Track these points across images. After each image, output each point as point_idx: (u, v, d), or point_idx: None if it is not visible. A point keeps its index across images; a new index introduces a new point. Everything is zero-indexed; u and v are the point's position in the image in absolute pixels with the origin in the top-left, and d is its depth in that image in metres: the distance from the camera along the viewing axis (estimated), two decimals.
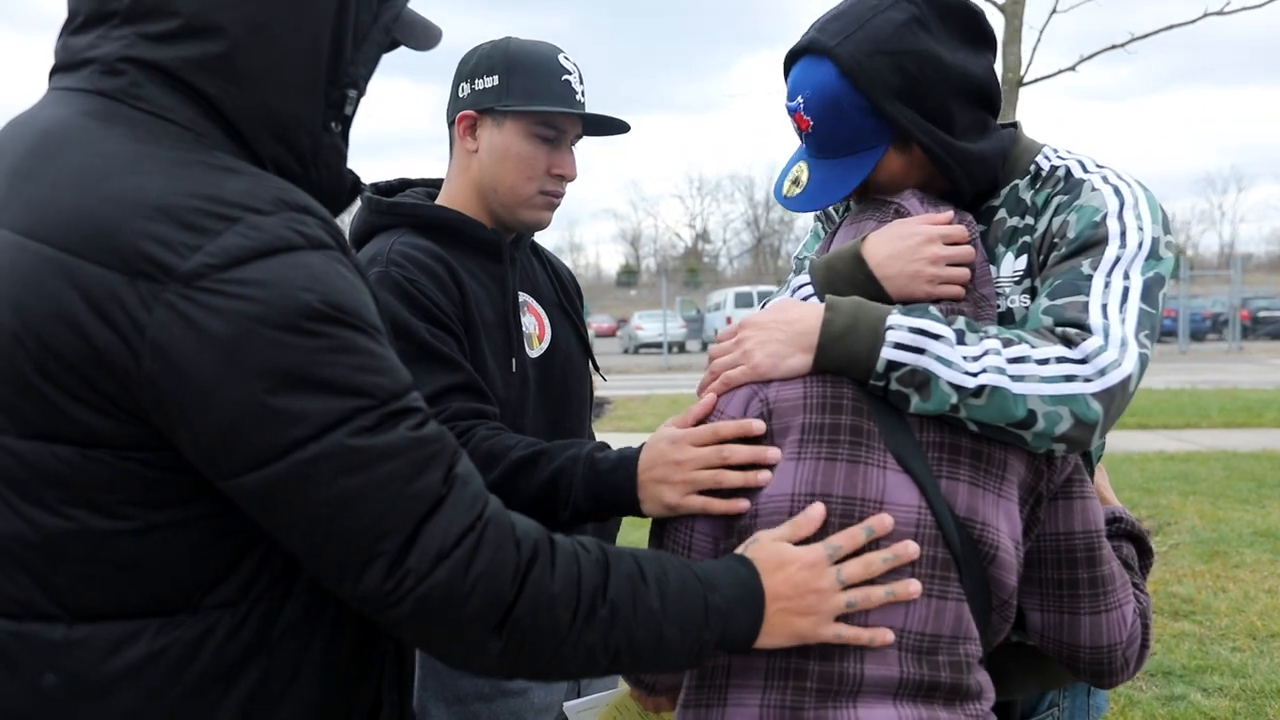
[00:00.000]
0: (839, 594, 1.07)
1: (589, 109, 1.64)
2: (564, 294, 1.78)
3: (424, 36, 1.08)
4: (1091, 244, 1.19)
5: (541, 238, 1.84)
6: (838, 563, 1.08)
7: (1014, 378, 1.09)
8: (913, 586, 1.08)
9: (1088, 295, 1.15)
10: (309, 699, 0.94)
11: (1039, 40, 5.84)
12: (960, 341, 1.12)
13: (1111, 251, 1.18)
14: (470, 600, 0.88)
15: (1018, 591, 1.18)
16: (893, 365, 1.11)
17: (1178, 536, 5.53)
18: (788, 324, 1.17)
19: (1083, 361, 1.10)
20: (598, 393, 1.87)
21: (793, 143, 1.37)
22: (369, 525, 0.85)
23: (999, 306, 1.27)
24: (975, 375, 1.09)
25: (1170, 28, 5.91)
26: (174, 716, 0.88)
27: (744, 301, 25.62)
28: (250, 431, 0.82)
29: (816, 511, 1.09)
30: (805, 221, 1.65)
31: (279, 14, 0.91)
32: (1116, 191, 1.23)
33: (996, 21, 5.58)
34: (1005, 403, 1.09)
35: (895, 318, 1.13)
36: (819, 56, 1.24)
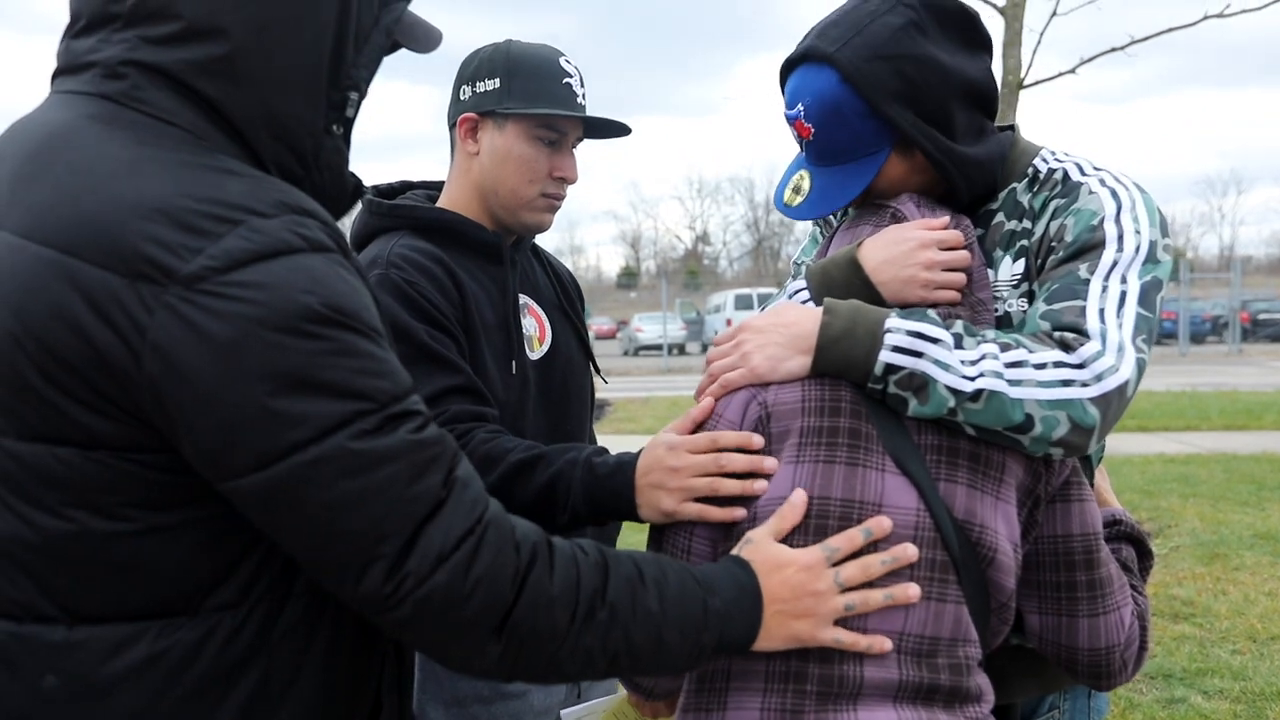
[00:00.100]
0: (837, 596, 1.07)
1: (589, 111, 1.64)
2: (564, 296, 1.78)
3: (425, 39, 1.08)
4: (1089, 248, 1.19)
5: (542, 240, 1.84)
6: (836, 565, 1.08)
7: (1011, 382, 1.09)
8: (911, 591, 1.08)
9: (1085, 299, 1.15)
10: (309, 701, 0.94)
11: (1039, 43, 5.86)
12: (958, 345, 1.12)
13: (1109, 255, 1.18)
14: (470, 603, 0.88)
15: (1016, 594, 1.18)
16: (891, 368, 1.11)
17: (1178, 539, 5.53)
18: (786, 327, 1.17)
19: (1080, 366, 1.10)
20: (597, 395, 1.87)
21: (793, 146, 1.37)
22: (369, 528, 0.85)
23: (997, 310, 1.27)
24: (973, 379, 1.09)
25: (1170, 30, 5.92)
26: (174, 718, 0.88)
27: (744, 304, 25.62)
28: (251, 434, 0.82)
29: (799, 498, 1.09)
30: (805, 224, 1.65)
31: (280, 16, 0.92)
32: (1114, 194, 1.23)
33: (996, 24, 5.58)
34: (1003, 407, 1.09)
35: (893, 321, 1.13)
36: (818, 64, 1.24)
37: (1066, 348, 1.12)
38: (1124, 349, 1.12)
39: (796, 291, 1.28)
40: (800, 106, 1.26)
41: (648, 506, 1.23)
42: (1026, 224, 1.28)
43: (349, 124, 1.01)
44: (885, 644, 1.07)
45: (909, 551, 1.08)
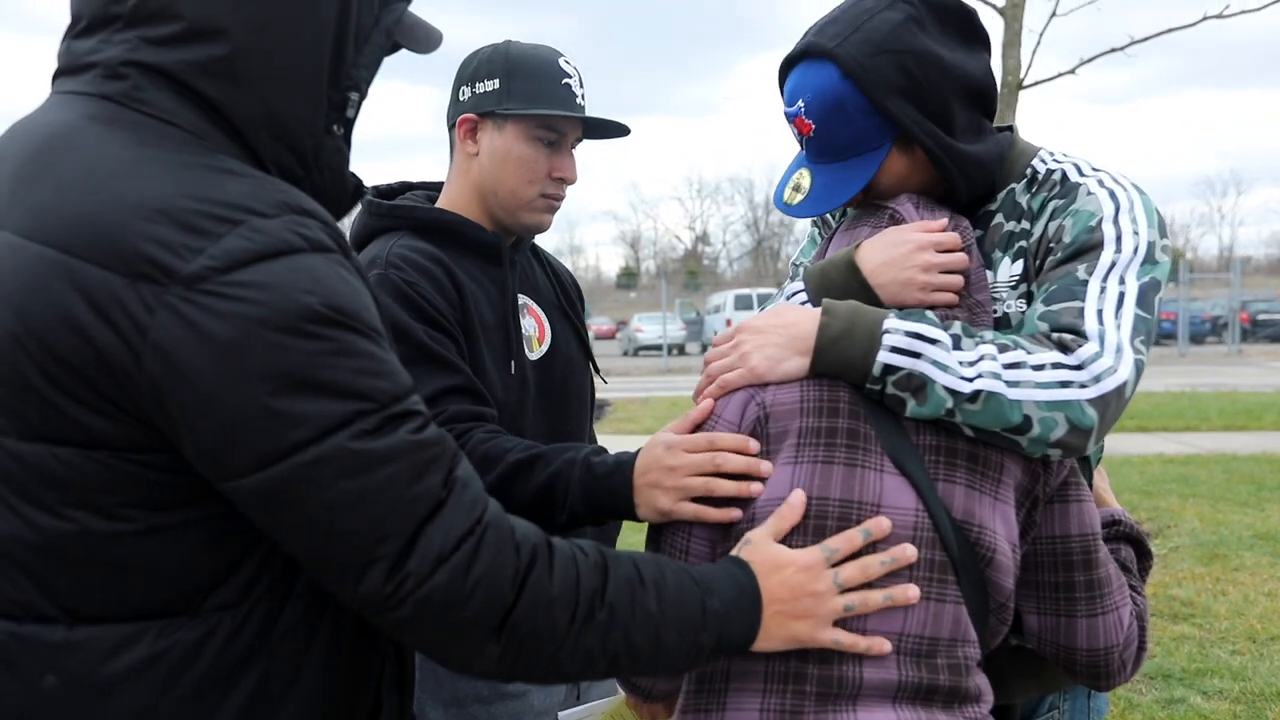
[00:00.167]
0: (836, 597, 1.07)
1: (589, 112, 1.64)
2: (564, 296, 1.78)
3: (425, 40, 1.08)
4: (1087, 249, 1.19)
5: (541, 240, 1.84)
6: (835, 565, 1.08)
7: (1009, 383, 1.09)
8: (911, 592, 1.08)
9: (1083, 300, 1.16)
10: (309, 701, 0.94)
11: (1039, 43, 5.86)
12: (956, 346, 1.12)
13: (1107, 256, 1.18)
14: (470, 603, 0.88)
15: (1015, 594, 1.18)
16: (889, 369, 1.11)
17: (1177, 539, 5.54)
18: (784, 328, 1.17)
19: (1078, 368, 1.10)
20: (597, 395, 1.87)
21: (793, 146, 1.37)
22: (369, 528, 0.85)
23: (995, 312, 1.27)
24: (971, 380, 1.10)
25: (1169, 31, 5.93)
26: (175, 718, 0.88)
27: (743, 304, 25.61)
28: (251, 434, 0.82)
29: (797, 499, 1.09)
30: (805, 224, 1.65)
31: (281, 17, 0.92)
32: (1112, 195, 1.23)
33: (996, 25, 5.58)
34: (1001, 408, 1.09)
35: (892, 321, 1.13)
36: (818, 60, 1.24)
37: (1065, 349, 1.12)
38: (1122, 350, 1.12)
39: (794, 293, 1.28)
40: (801, 103, 1.26)
41: (645, 506, 1.23)
42: (1025, 225, 1.28)
43: (349, 124, 1.01)
44: (884, 645, 1.07)
45: (908, 552, 1.08)
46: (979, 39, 1.29)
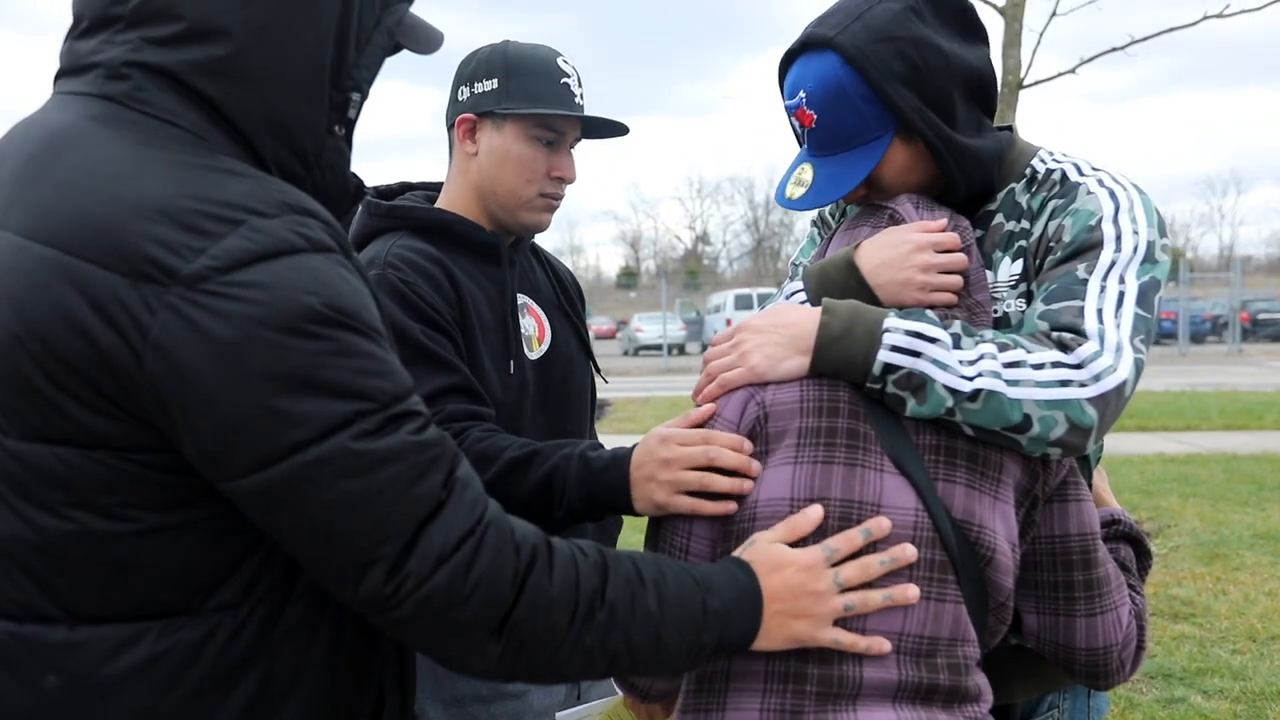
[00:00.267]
0: (836, 597, 1.07)
1: (588, 111, 1.64)
2: (564, 296, 1.79)
3: (426, 40, 1.08)
4: (1087, 248, 1.19)
5: (541, 240, 1.84)
6: (836, 565, 1.08)
7: (1009, 382, 1.09)
8: (911, 592, 1.08)
9: (1083, 300, 1.16)
10: (311, 701, 0.94)
11: (1039, 43, 5.86)
12: (956, 345, 1.12)
13: (1107, 255, 1.18)
14: (470, 603, 0.88)
15: (1014, 594, 1.18)
16: (889, 368, 1.11)
17: (1178, 539, 5.54)
18: (785, 327, 1.17)
19: (1078, 367, 1.10)
20: (597, 395, 1.87)
21: (792, 146, 1.37)
22: (370, 528, 0.86)
23: (995, 311, 1.27)
24: (971, 379, 1.10)
25: (1170, 30, 5.92)
26: (176, 718, 0.88)
27: (744, 304, 25.60)
28: (252, 434, 0.82)
29: (814, 513, 1.09)
30: (805, 224, 1.65)
31: (283, 17, 0.92)
32: (1112, 195, 1.23)
33: (996, 24, 5.58)
34: (1001, 407, 1.09)
35: (892, 321, 1.13)
36: (820, 50, 1.24)
37: (1064, 348, 1.12)
38: (1122, 349, 1.12)
39: (794, 293, 1.28)
40: (802, 94, 1.26)
41: (641, 499, 1.24)
42: (1025, 224, 1.28)
43: (351, 125, 1.01)
44: (884, 645, 1.07)
45: (908, 552, 1.08)
46: (977, 32, 1.29)
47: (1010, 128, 1.39)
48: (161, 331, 0.80)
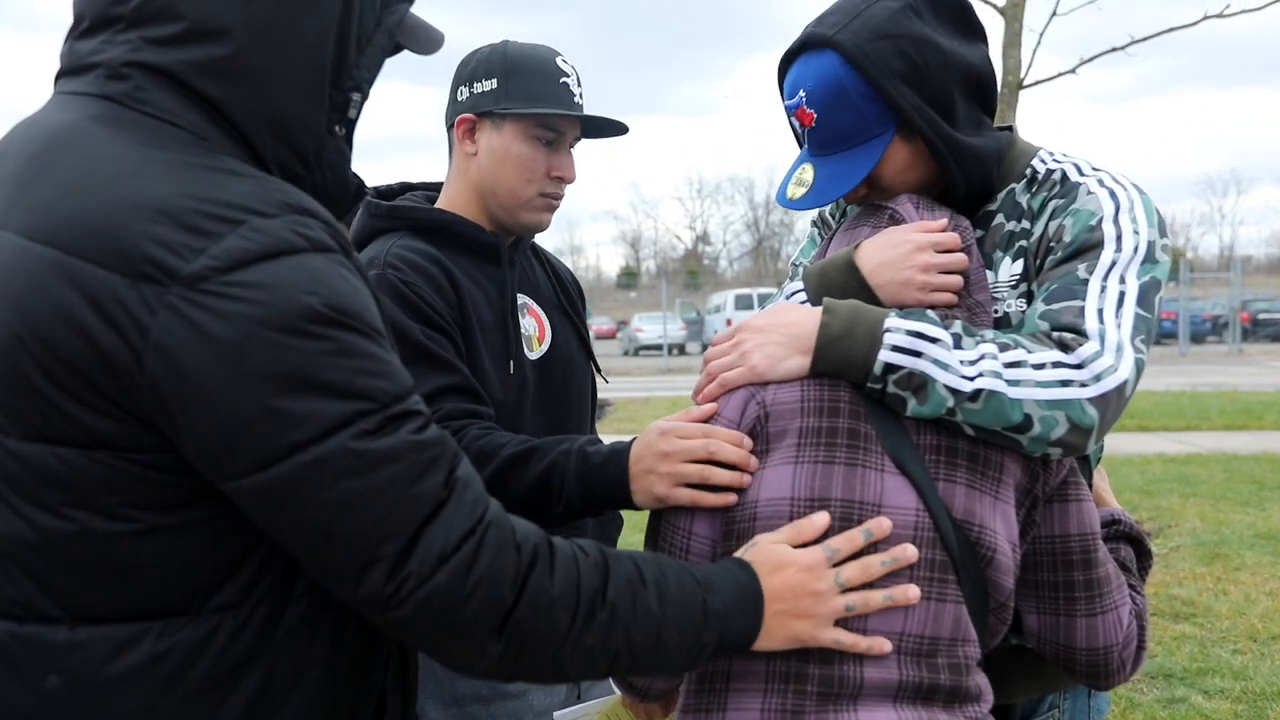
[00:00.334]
0: (837, 597, 1.07)
1: (587, 111, 1.64)
2: (565, 295, 1.79)
3: (426, 41, 1.08)
4: (1087, 248, 1.19)
5: (541, 240, 1.84)
6: (837, 565, 1.08)
7: (1010, 382, 1.09)
8: (911, 592, 1.08)
9: (1084, 300, 1.16)
10: (312, 701, 0.94)
11: (1039, 43, 5.86)
12: (957, 345, 1.12)
13: (1107, 256, 1.18)
14: (471, 603, 0.88)
15: (1014, 594, 1.18)
16: (890, 368, 1.11)
17: (1178, 539, 5.53)
18: (785, 327, 1.17)
19: (1079, 367, 1.10)
20: (598, 395, 1.87)
21: (792, 146, 1.37)
22: (370, 528, 0.85)
23: (996, 311, 1.27)
24: (972, 379, 1.10)
25: (1170, 30, 5.92)
26: (177, 718, 0.88)
27: (744, 304, 25.61)
28: (252, 434, 0.82)
29: (821, 519, 1.09)
30: (805, 225, 1.66)
31: (283, 17, 0.92)
32: (1112, 195, 1.23)
33: (996, 24, 5.58)
34: (1001, 407, 1.09)
35: (893, 320, 1.13)
36: (819, 48, 1.24)
37: (1065, 348, 1.12)
38: (1122, 349, 1.12)
39: (794, 293, 1.28)
40: (802, 93, 1.26)
41: (641, 493, 1.24)
42: (1025, 224, 1.28)
43: (351, 125, 1.01)
44: (885, 645, 1.07)
45: (909, 552, 1.08)
46: (975, 31, 1.29)
47: (1010, 128, 1.39)
48: (162, 331, 0.80)
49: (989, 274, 1.28)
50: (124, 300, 0.81)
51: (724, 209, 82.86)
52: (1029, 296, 1.26)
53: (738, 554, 1.10)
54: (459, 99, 1.63)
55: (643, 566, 1.00)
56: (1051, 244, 1.24)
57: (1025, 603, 1.21)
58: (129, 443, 0.84)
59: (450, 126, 1.66)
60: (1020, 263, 1.27)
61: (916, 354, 1.11)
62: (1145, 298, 1.17)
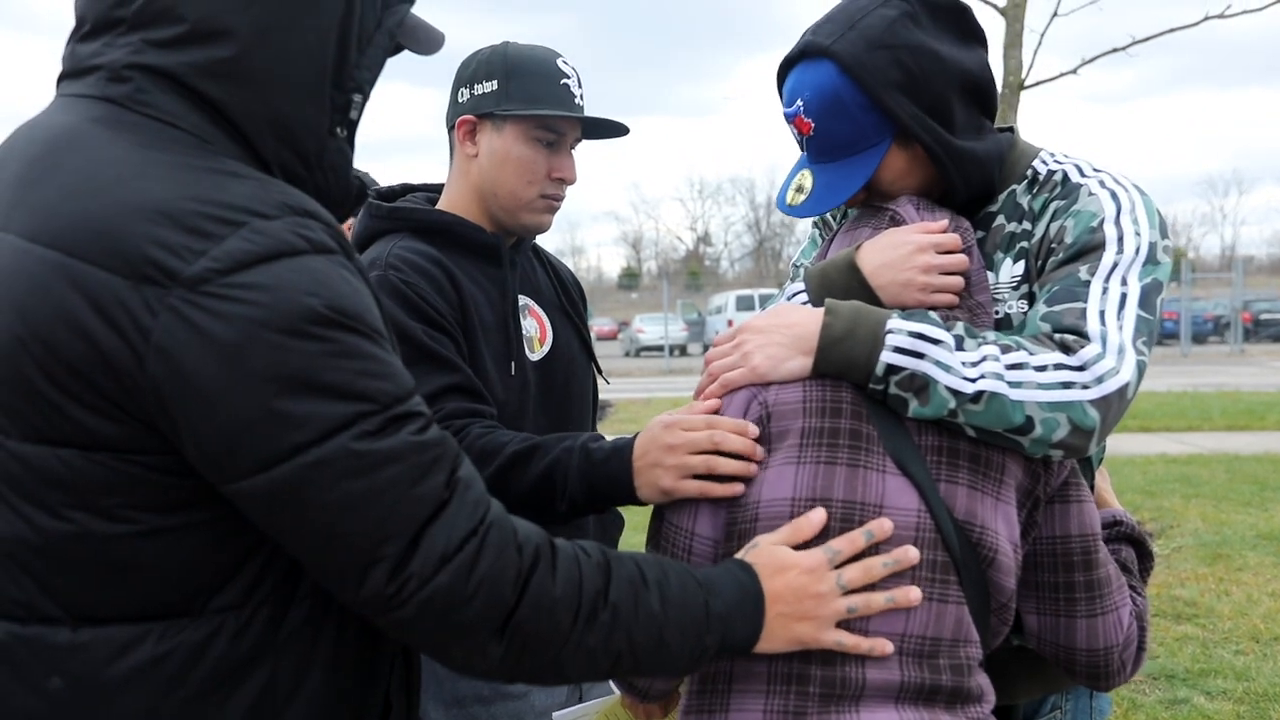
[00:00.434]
0: (839, 599, 1.07)
1: (588, 112, 1.64)
2: (566, 297, 1.79)
3: (427, 41, 1.08)
4: (1089, 249, 1.19)
5: (542, 241, 1.84)
6: (838, 567, 1.08)
7: (1012, 384, 1.09)
8: (913, 594, 1.08)
9: (1085, 301, 1.16)
10: (316, 702, 0.94)
11: (1040, 44, 5.86)
12: (959, 347, 1.12)
13: (1109, 257, 1.18)
14: (472, 604, 0.88)
15: (1015, 594, 1.18)
16: (892, 369, 1.11)
17: (1180, 539, 5.53)
18: (787, 327, 1.17)
19: (1080, 369, 1.10)
20: (599, 396, 1.87)
21: (794, 147, 1.37)
22: (372, 529, 0.85)
23: (997, 313, 1.27)
24: (974, 381, 1.10)
25: (1171, 31, 5.93)
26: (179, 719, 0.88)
27: (745, 304, 25.60)
28: (254, 435, 0.82)
29: (818, 516, 1.09)
30: (807, 224, 1.66)
31: (285, 18, 0.92)
32: (1113, 196, 1.23)
33: (997, 25, 5.58)
34: (1003, 409, 1.09)
35: (895, 322, 1.13)
36: (816, 58, 1.24)
37: (1067, 350, 1.12)
38: (1124, 351, 1.12)
39: (795, 294, 1.28)
40: (799, 102, 1.26)
41: (646, 486, 1.24)
42: (1026, 226, 1.28)
43: (353, 126, 1.01)
44: (887, 647, 1.07)
45: (910, 554, 1.08)
46: (975, 35, 1.29)
47: (1011, 129, 1.39)
48: (163, 333, 0.80)
49: (990, 275, 1.28)
50: (125, 302, 0.81)
51: (725, 210, 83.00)
52: (1030, 298, 1.26)
53: (739, 556, 1.10)
54: (460, 100, 1.63)
55: (645, 568, 1.00)
56: (1053, 245, 1.24)
57: (1025, 603, 1.21)
58: (130, 444, 0.84)
59: (451, 128, 1.66)
60: (1021, 264, 1.27)
61: (918, 355, 1.11)
62: (1147, 299, 1.17)
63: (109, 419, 0.83)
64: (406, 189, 1.75)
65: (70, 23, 0.96)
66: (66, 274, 0.82)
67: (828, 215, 1.56)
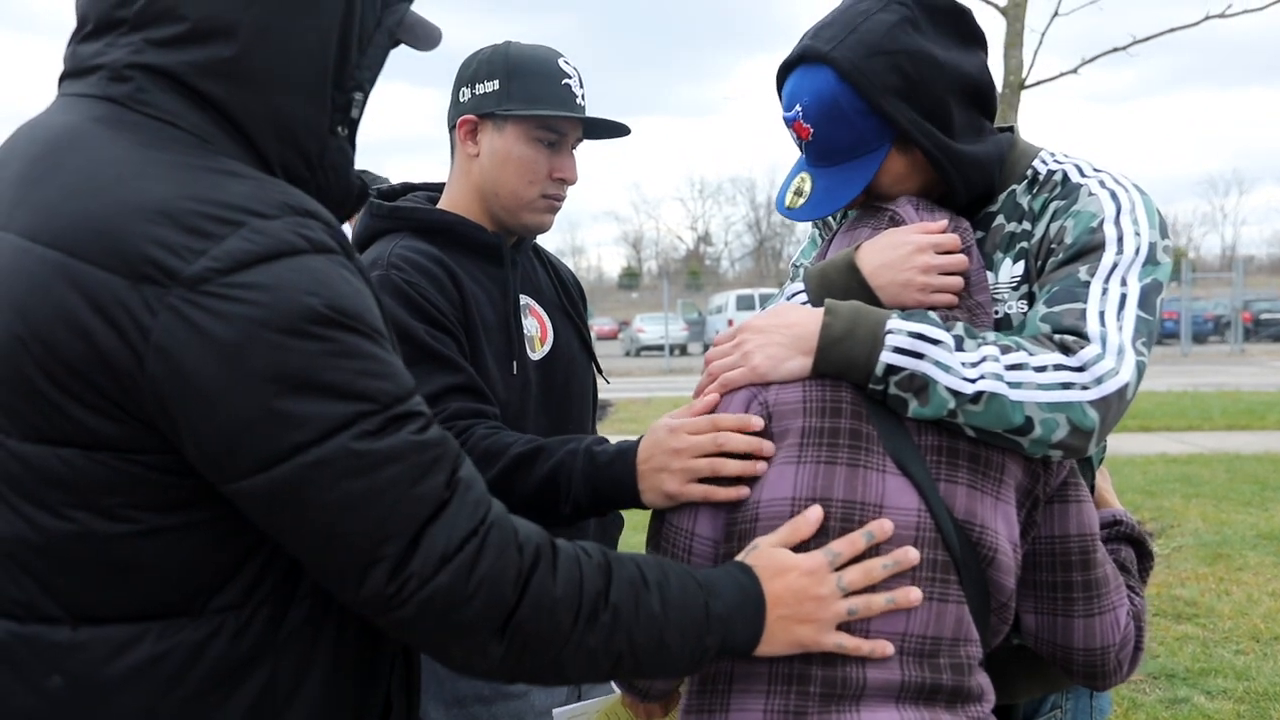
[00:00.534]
0: (839, 601, 1.07)
1: (589, 112, 1.64)
2: (566, 296, 1.79)
3: (426, 37, 1.08)
4: (1088, 250, 1.19)
5: (543, 240, 1.84)
6: (839, 569, 1.08)
7: (1011, 385, 1.09)
8: (913, 594, 1.08)
9: (1085, 302, 1.16)
10: (316, 702, 0.94)
11: (1040, 43, 5.86)
12: (959, 347, 1.12)
13: (1109, 257, 1.18)
14: (473, 604, 0.88)
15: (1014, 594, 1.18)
16: (892, 369, 1.11)
17: (1180, 539, 5.53)
18: (787, 327, 1.17)
19: (1080, 369, 1.10)
20: (599, 395, 1.87)
21: (793, 148, 1.37)
22: (372, 529, 0.86)
23: (997, 313, 1.27)
24: (973, 381, 1.10)
25: (1171, 30, 5.93)
26: (177, 719, 0.88)
27: (746, 304, 25.60)
28: (253, 435, 0.82)
29: (814, 514, 1.09)
30: (807, 225, 1.66)
31: (286, 17, 0.92)
32: (1113, 196, 1.23)
33: (998, 25, 5.58)
34: (1003, 409, 1.09)
35: (895, 322, 1.13)
36: (815, 63, 1.24)
37: (1066, 350, 1.12)
38: (1124, 352, 1.12)
39: (795, 294, 1.28)
40: (798, 107, 1.26)
41: (651, 490, 1.23)
42: (1026, 226, 1.28)
43: (354, 125, 1.01)
44: (887, 649, 1.07)
45: (910, 555, 1.08)
46: (975, 38, 1.29)
47: (1011, 128, 1.39)
48: (163, 333, 0.80)
49: (989, 275, 1.28)
50: (125, 302, 0.81)
51: (725, 209, 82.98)
52: (1030, 298, 1.26)
53: (739, 558, 1.10)
54: (461, 100, 1.63)
55: (645, 569, 1.00)
56: (1052, 245, 1.24)
57: (1024, 603, 1.21)
58: (130, 444, 0.84)
59: (452, 128, 1.66)
60: (1021, 264, 1.27)
61: (918, 355, 1.11)
62: (1146, 300, 1.17)
63: (109, 418, 0.83)
64: (407, 188, 1.75)
65: (71, 23, 0.96)
66: (66, 273, 0.82)
67: (827, 216, 1.56)
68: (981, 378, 1.10)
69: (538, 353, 1.67)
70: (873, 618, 1.08)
